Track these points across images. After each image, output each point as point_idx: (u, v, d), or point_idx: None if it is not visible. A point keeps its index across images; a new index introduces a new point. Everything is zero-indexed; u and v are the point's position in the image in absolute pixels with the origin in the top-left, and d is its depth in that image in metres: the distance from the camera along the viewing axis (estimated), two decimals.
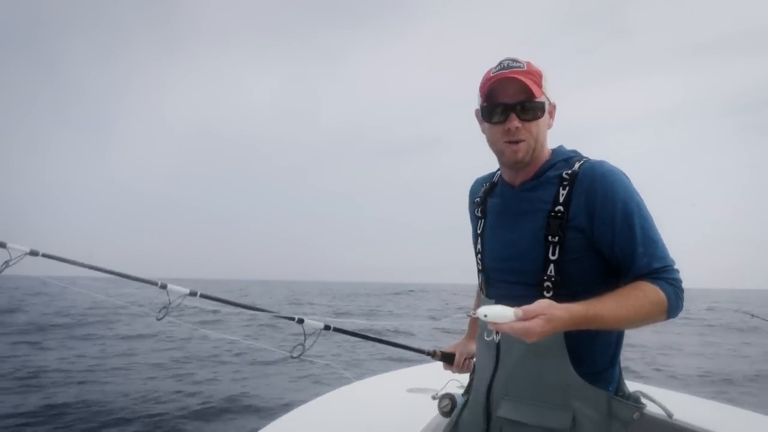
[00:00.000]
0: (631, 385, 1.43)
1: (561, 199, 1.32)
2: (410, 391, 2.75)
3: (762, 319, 5.71)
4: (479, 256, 1.53)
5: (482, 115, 1.41)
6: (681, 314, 1.29)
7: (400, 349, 2.05)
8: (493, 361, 1.42)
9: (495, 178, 1.55)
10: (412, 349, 1.95)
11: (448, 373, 1.82)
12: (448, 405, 1.65)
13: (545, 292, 1.30)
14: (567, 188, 1.32)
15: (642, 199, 1.33)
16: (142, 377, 8.31)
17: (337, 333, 1.98)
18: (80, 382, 7.94)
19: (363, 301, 35.55)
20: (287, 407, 2.41)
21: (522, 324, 1.11)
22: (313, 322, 1.93)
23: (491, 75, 1.37)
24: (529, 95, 1.33)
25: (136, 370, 8.89)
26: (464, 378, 1.74)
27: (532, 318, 1.12)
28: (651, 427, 1.94)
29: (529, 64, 1.36)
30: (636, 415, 1.29)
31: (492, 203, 1.51)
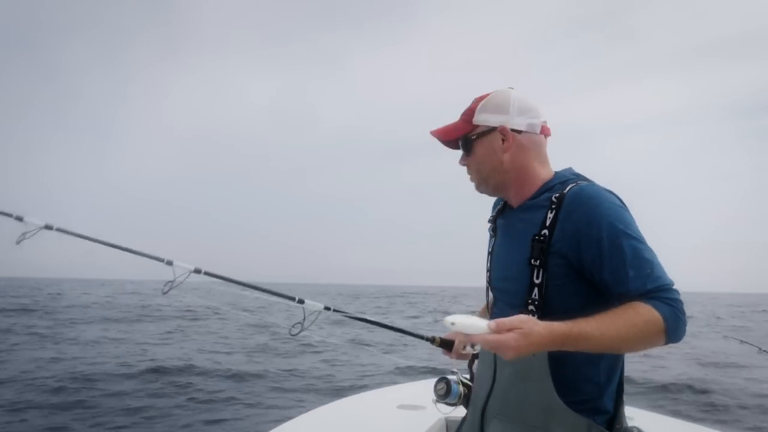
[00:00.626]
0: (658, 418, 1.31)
1: (547, 223, 1.31)
2: (400, 407, 2.75)
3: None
4: (487, 274, 1.54)
5: None
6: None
7: (397, 334, 2.03)
8: (490, 380, 1.43)
9: None
10: (411, 334, 1.95)
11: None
12: (443, 389, 1.69)
13: (531, 315, 1.27)
14: (554, 212, 1.31)
15: (633, 220, 1.28)
16: None
17: (337, 314, 1.98)
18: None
19: (361, 303, 35.78)
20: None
21: (495, 337, 1.08)
22: (313, 303, 1.95)
23: None
24: (446, 139, 1.47)
25: None
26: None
27: (507, 331, 1.09)
28: None
29: (475, 100, 1.44)
30: None
31: (499, 223, 1.53)
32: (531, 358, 1.26)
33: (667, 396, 8.04)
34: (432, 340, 1.82)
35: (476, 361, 1.62)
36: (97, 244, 2.03)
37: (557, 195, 1.32)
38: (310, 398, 7.39)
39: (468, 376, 1.73)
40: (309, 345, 11.54)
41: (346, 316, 2.05)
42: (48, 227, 1.99)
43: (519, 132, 1.40)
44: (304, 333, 1.91)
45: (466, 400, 1.68)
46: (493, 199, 1.61)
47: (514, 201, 1.46)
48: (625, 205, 1.33)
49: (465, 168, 1.49)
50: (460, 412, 1.67)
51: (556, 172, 1.44)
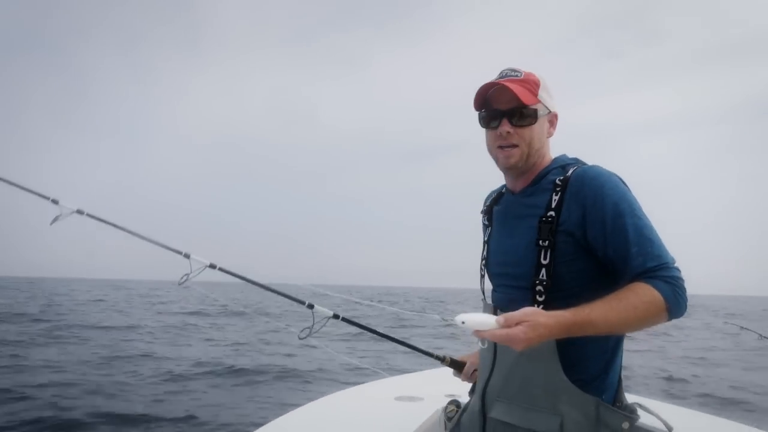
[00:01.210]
0: (656, 404, 1.37)
1: (553, 205, 1.35)
2: (398, 399, 2.73)
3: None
4: (483, 262, 1.59)
5: (479, 121, 1.50)
6: None
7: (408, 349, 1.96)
8: (490, 363, 1.46)
9: (503, 189, 1.61)
10: (423, 352, 1.90)
11: (437, 382, 1.79)
12: (453, 411, 1.66)
13: (538, 296, 1.33)
14: (559, 193, 1.36)
15: (636, 200, 1.33)
16: None
17: (346, 323, 1.95)
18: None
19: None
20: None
21: (504, 331, 1.14)
22: (323, 309, 1.93)
23: (486, 84, 1.44)
24: (520, 102, 1.39)
25: None
26: (450, 379, 1.76)
27: (515, 325, 1.14)
28: None
29: (528, 74, 1.44)
30: (625, 425, 1.29)
31: (496, 211, 1.58)
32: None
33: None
34: (442, 360, 1.80)
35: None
36: (123, 233, 2.14)
37: (561, 178, 1.38)
38: (308, 389, 7.54)
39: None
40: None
41: (354, 325, 2.01)
42: (80, 212, 2.12)
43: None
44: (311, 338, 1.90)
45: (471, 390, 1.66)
46: (486, 192, 1.69)
47: (519, 185, 1.49)
48: (627, 185, 1.37)
49: (498, 135, 1.43)
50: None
51: (554, 158, 1.50)
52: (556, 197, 1.36)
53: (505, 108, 1.42)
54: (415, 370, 3.46)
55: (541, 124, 1.45)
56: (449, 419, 1.67)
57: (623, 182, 1.37)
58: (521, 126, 1.42)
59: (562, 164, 1.45)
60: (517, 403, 1.37)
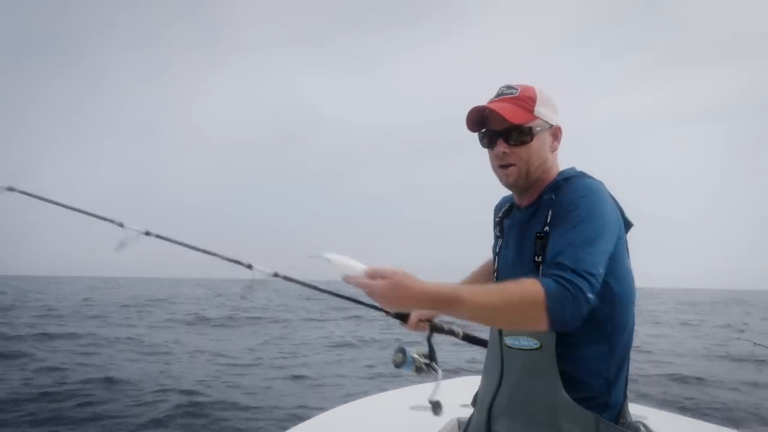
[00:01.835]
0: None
1: (548, 220, 1.36)
2: (413, 408, 2.78)
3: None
4: (495, 274, 1.58)
5: (479, 142, 1.50)
6: None
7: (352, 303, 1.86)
8: (497, 378, 1.46)
9: (513, 201, 1.60)
10: (364, 304, 1.80)
11: (452, 392, 1.77)
12: (400, 357, 1.66)
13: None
14: (552, 209, 1.36)
15: (608, 214, 1.30)
16: None
17: (288, 282, 1.89)
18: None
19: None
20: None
21: (366, 281, 1.14)
22: (262, 268, 1.90)
23: (473, 108, 1.44)
24: (511, 123, 1.38)
25: None
26: (464, 389, 1.73)
27: (379, 278, 1.13)
28: None
29: (525, 89, 1.43)
30: None
31: (507, 224, 1.57)
32: (538, 355, 1.32)
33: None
34: (387, 312, 1.72)
35: (434, 335, 1.66)
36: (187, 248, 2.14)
37: (556, 193, 1.38)
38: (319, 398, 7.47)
39: (427, 350, 1.67)
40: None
41: (295, 282, 1.93)
42: (147, 233, 2.15)
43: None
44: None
45: (421, 373, 1.67)
46: (496, 200, 1.69)
47: (524, 201, 1.49)
48: (612, 201, 1.34)
49: (496, 156, 1.44)
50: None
51: (560, 171, 1.48)
52: (551, 213, 1.36)
53: (500, 128, 1.42)
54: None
55: (541, 139, 1.43)
56: (396, 365, 1.68)
57: (608, 198, 1.34)
58: (517, 145, 1.41)
59: (566, 177, 1.43)
60: (520, 418, 1.38)
